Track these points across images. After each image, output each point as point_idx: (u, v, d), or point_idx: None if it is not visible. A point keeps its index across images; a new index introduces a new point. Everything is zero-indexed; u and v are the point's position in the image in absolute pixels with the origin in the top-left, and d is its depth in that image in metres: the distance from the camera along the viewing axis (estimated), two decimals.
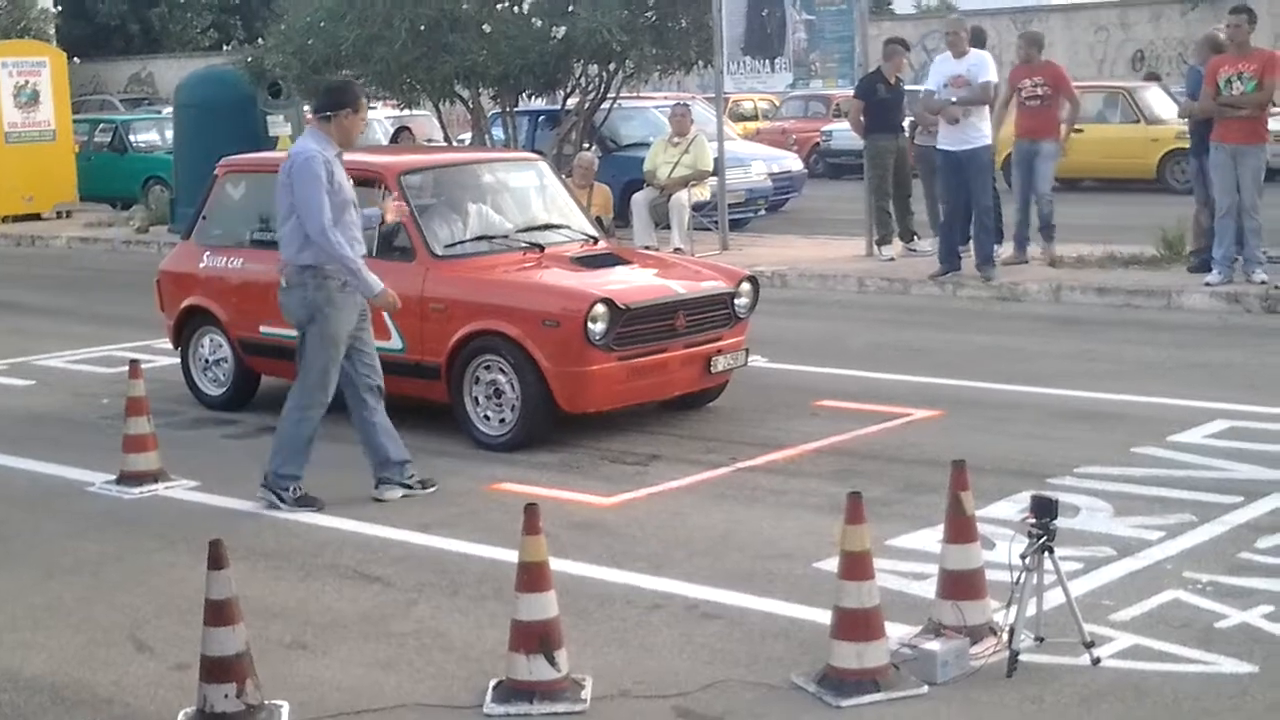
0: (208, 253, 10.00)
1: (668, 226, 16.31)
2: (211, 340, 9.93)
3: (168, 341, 12.37)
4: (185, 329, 10.07)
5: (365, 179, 9.57)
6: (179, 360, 10.19)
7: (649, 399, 9.04)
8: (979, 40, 14.83)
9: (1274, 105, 13.05)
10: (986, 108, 13.73)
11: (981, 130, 13.63)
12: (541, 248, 9.21)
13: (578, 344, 8.37)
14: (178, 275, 10.19)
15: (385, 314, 8.77)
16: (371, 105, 21.46)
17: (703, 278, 9.26)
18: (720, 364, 9.05)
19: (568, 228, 9.71)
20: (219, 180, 10.30)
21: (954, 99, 13.55)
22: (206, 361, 9.98)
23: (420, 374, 8.81)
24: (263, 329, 9.50)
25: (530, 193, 10.03)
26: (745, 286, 9.23)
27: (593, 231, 9.93)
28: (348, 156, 11.18)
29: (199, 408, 10.03)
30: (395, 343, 8.84)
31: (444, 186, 9.74)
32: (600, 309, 8.42)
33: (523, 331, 8.39)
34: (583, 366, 8.44)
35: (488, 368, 8.55)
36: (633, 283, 8.93)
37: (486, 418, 8.62)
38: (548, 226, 9.60)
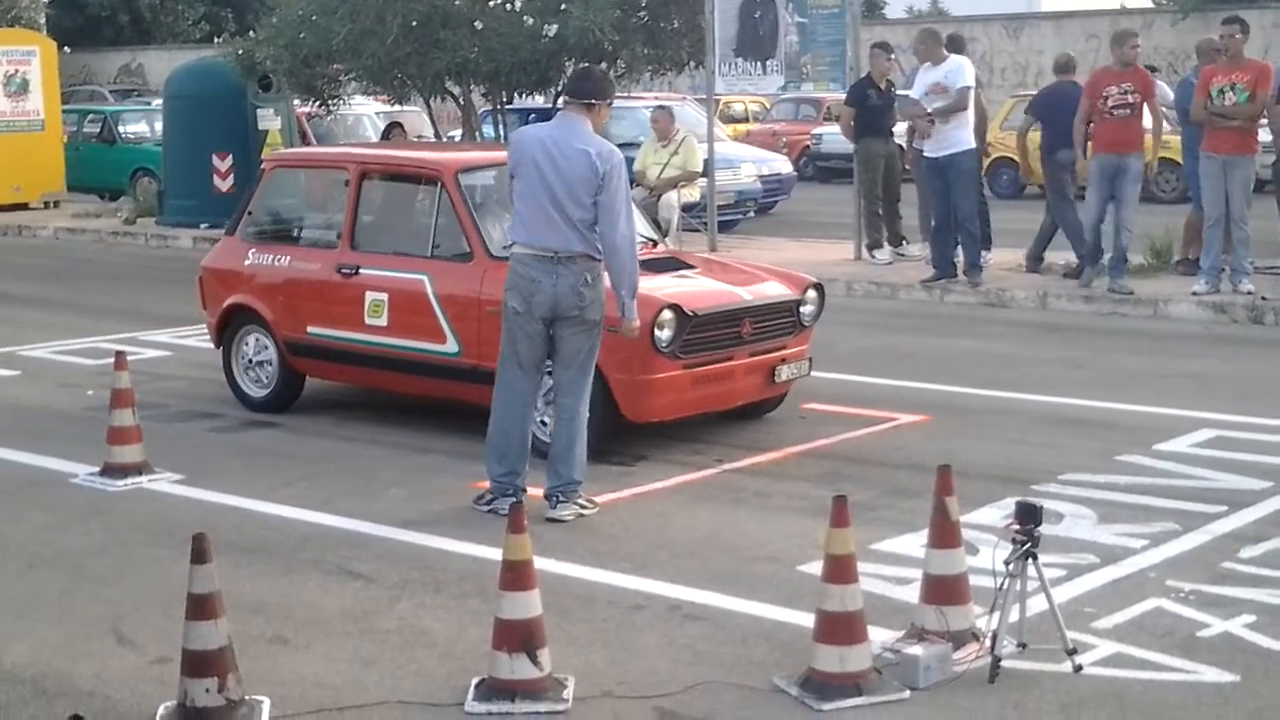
0: (253, 250, 9.69)
1: (656, 227, 16.30)
2: (255, 340, 9.62)
3: (154, 333, 12.41)
4: (228, 328, 9.73)
5: (420, 176, 9.34)
6: (220, 360, 9.85)
7: (713, 408, 8.77)
8: (957, 46, 14.81)
9: (1264, 116, 13.09)
10: (969, 114, 13.69)
11: (962, 136, 13.60)
12: None
13: (643, 351, 8.07)
14: (221, 272, 9.86)
15: (440, 315, 8.64)
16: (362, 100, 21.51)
17: (768, 284, 9.01)
18: (784, 373, 8.83)
19: None
20: (266, 175, 10.06)
21: (930, 109, 13.55)
22: (249, 362, 9.67)
23: (476, 378, 8.29)
24: (310, 329, 9.28)
25: None
26: (811, 294, 9.00)
27: (652, 234, 9.67)
28: (403, 153, 10.86)
29: (184, 400, 10.01)
30: (451, 346, 8.62)
31: (502, 185, 9.03)
32: (667, 315, 8.15)
33: None
34: (648, 375, 8.19)
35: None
36: (699, 288, 8.67)
37: (544, 424, 8.05)
38: None
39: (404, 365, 8.93)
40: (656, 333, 8.13)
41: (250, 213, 9.94)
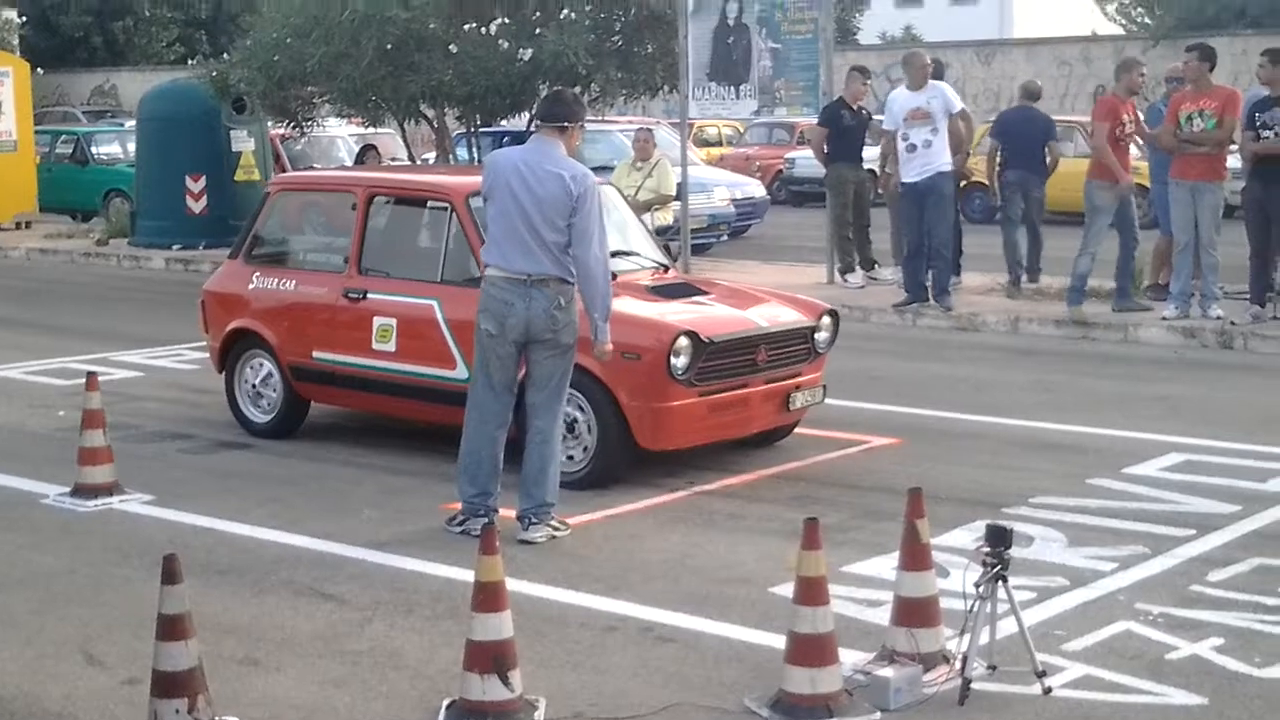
0: (257, 273, 9.56)
1: (667, 252, 16.30)
2: (259, 365, 9.48)
3: (125, 354, 12.37)
4: (231, 352, 9.59)
5: (430, 200, 9.25)
6: (224, 386, 9.70)
7: (728, 436, 8.66)
8: (938, 73, 14.87)
9: (1232, 142, 13.20)
10: (945, 138, 13.74)
11: (943, 159, 13.68)
12: (614, 275, 7.98)
13: (659, 378, 8.03)
14: (224, 296, 9.71)
15: (450, 340, 8.55)
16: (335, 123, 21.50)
17: (783, 311, 8.94)
18: (799, 400, 8.76)
19: (638, 255, 9.29)
20: (271, 197, 9.93)
21: (960, 149, 13.80)
22: (253, 387, 9.52)
23: None
24: (315, 354, 9.15)
25: None
26: (826, 320, 8.94)
27: (663, 259, 9.62)
28: (412, 177, 10.70)
29: (155, 421, 9.98)
30: (461, 372, 8.42)
31: None
32: (683, 342, 8.08)
33: (600, 364, 7.81)
34: (663, 402, 8.11)
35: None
36: (714, 314, 8.60)
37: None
38: (618, 253, 8.71)
39: (413, 391, 8.80)
40: (673, 360, 8.06)
41: (254, 236, 9.83)
